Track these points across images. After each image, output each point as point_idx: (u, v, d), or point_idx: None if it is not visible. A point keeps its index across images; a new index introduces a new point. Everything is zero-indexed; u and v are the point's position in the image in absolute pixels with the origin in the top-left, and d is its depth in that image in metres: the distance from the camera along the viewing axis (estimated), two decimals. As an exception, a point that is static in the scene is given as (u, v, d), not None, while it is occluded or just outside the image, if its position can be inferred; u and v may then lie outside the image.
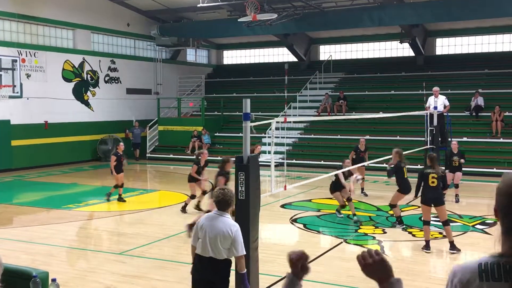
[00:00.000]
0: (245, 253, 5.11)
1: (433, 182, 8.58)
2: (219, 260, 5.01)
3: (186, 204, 11.88)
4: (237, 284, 5.46)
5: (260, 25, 20.92)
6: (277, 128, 10.56)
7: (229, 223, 5.07)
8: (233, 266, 5.16)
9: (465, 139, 18.85)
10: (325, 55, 27.89)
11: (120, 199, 12.83)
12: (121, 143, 14.02)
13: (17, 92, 16.13)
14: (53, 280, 3.88)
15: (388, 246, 8.88)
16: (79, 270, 7.50)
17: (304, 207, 12.34)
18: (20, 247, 8.85)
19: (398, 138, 20.04)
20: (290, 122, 19.98)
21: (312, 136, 21.79)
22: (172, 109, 25.34)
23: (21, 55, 18.89)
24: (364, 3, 20.79)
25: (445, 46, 25.70)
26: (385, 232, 9.87)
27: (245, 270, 5.18)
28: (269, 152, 10.40)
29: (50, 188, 16.03)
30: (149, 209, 12.45)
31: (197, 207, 11.70)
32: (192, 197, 11.82)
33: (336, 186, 10.85)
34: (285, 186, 11.51)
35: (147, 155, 23.38)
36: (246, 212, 6.46)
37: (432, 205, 8.64)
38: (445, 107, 15.55)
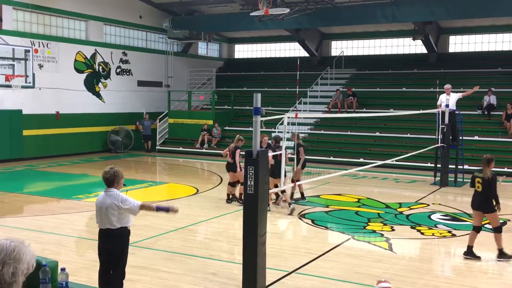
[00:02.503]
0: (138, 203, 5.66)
1: (478, 187, 8.00)
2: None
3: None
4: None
5: (272, 20, 20.85)
6: (287, 123, 10.51)
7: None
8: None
9: (476, 137, 18.73)
10: (337, 50, 27.77)
11: None
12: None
13: (30, 82, 16.22)
14: (62, 269, 3.92)
15: (396, 244, 8.85)
16: (88, 260, 7.56)
17: (312, 203, 12.33)
18: (30, 236, 8.93)
19: (408, 135, 19.96)
20: (300, 118, 19.95)
21: (322, 131, 21.74)
22: (183, 102, 25.39)
23: (34, 45, 18.99)
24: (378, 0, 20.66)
25: (458, 43, 25.48)
26: (393, 230, 9.84)
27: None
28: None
29: (60, 178, 16.16)
30: (158, 201, 12.49)
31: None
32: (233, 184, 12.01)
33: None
34: (295, 181, 11.49)
35: (157, 147, 23.47)
36: (255, 206, 6.48)
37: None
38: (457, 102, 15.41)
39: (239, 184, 11.97)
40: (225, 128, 23.38)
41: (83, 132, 21.41)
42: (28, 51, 16.18)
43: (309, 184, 13.60)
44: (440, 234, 9.61)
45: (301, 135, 21.37)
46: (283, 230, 10.50)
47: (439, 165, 15.30)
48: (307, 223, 10.45)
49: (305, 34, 26.38)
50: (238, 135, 12.38)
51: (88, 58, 21.87)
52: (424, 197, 13.35)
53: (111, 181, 5.65)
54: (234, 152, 11.90)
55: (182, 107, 25.34)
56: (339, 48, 27.78)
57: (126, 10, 23.42)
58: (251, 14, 20.07)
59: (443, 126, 14.88)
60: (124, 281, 5.81)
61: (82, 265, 7.41)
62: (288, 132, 11.59)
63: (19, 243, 2.23)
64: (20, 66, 15.87)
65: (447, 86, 15.45)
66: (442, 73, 23.07)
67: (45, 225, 9.84)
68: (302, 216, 10.97)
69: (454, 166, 15.29)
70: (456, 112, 15.47)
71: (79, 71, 21.47)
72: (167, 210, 5.88)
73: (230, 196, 12.17)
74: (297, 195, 12.55)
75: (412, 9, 20.41)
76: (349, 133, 21.11)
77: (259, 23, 21.35)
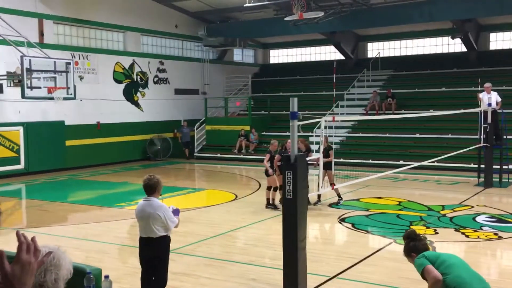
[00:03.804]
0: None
1: None
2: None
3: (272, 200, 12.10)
4: None
5: (307, 24, 20.79)
6: (324, 127, 10.45)
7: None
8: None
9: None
10: (373, 52, 27.47)
11: None
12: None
13: (71, 94, 16.63)
14: (106, 276, 3.98)
15: (440, 247, 8.65)
16: (131, 267, 7.66)
17: (352, 207, 12.19)
18: (74, 244, 9.13)
19: (450, 136, 19.52)
20: (338, 121, 19.78)
21: (360, 134, 21.50)
22: (219, 109, 25.57)
23: (74, 58, 19.49)
24: (413, -1, 20.35)
25: (499, 41, 24.82)
26: (436, 233, 9.63)
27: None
28: (318, 151, 10.32)
29: (102, 187, 16.49)
30: (197, 208, 12.60)
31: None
32: (275, 189, 11.98)
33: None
34: (333, 185, 11.40)
35: (195, 154, 23.69)
36: (294, 211, 6.44)
37: None
38: (497, 103, 15.02)
39: (271, 189, 12.00)
40: (262, 133, 23.41)
41: (123, 141, 21.81)
42: (69, 63, 16.57)
43: (348, 188, 13.45)
44: (486, 236, 9.34)
45: (339, 138, 21.27)
46: (323, 234, 10.41)
47: (482, 166, 14.90)
48: (347, 227, 10.33)
49: (340, 37, 26.19)
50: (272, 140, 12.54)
51: (127, 68, 22.30)
52: (468, 198, 13.02)
53: (154, 188, 5.72)
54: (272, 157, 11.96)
55: (219, 114, 25.52)
56: (376, 49, 27.47)
57: (162, 20, 23.79)
58: (285, 19, 20.06)
59: (485, 125, 14.49)
60: (165, 287, 5.87)
61: (125, 272, 7.52)
62: (329, 136, 11.61)
63: (57, 250, 2.28)
64: (61, 79, 16.28)
65: (487, 84, 15.04)
66: (483, 71, 22.50)
67: (88, 233, 10.05)
68: (342, 220, 10.85)
69: (498, 166, 14.87)
70: (499, 111, 15.04)
71: (118, 81, 21.91)
72: (178, 212, 5.94)
73: (270, 201, 12.17)
74: (333, 199, 12.49)
75: (449, 7, 20.00)
76: (387, 135, 20.79)
77: (294, 27, 21.32)
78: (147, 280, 5.83)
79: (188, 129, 23.53)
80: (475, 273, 4.48)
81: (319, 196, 12.06)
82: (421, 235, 5.03)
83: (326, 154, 11.81)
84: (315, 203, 12.14)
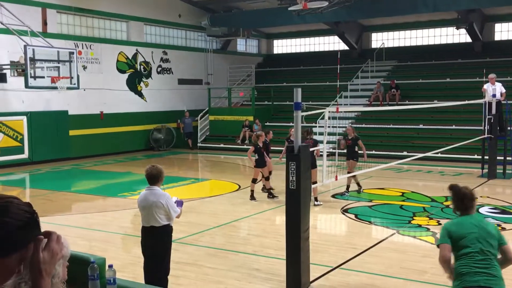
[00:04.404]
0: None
1: None
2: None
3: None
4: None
5: (311, 13, 20.66)
6: (328, 118, 10.42)
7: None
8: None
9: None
10: (377, 42, 27.33)
11: None
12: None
13: (74, 84, 16.62)
14: (110, 266, 3.99)
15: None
16: (134, 256, 7.69)
17: (355, 197, 12.19)
18: (78, 233, 9.17)
19: (454, 127, 19.47)
20: (341, 112, 19.73)
21: (364, 125, 21.44)
22: (223, 99, 25.53)
23: (78, 47, 19.45)
24: (418, -11, 20.20)
25: (504, 31, 24.65)
26: (440, 224, 9.62)
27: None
28: (321, 142, 10.28)
29: (106, 177, 16.53)
30: (201, 198, 12.63)
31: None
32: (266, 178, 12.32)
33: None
34: (336, 176, 11.41)
35: (198, 144, 23.70)
36: (297, 202, 6.44)
37: None
38: (501, 94, 14.94)
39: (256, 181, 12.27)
40: (265, 124, 23.37)
41: (127, 131, 21.82)
42: (72, 53, 16.54)
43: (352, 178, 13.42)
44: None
45: (342, 129, 21.22)
46: (326, 225, 10.42)
47: (486, 157, 14.86)
48: (350, 217, 10.34)
49: (344, 27, 26.06)
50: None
51: (130, 58, 22.26)
52: (472, 189, 12.98)
53: (157, 177, 5.74)
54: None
55: (222, 104, 25.49)
56: (380, 40, 27.34)
57: (165, 9, 23.71)
58: (289, 8, 19.95)
59: (490, 116, 14.43)
60: (168, 276, 5.89)
61: (129, 261, 7.55)
62: (333, 127, 11.77)
63: (65, 241, 2.27)
64: (65, 68, 16.25)
65: (492, 75, 14.96)
66: (488, 62, 22.37)
67: (92, 223, 10.08)
68: (345, 210, 10.86)
69: (502, 158, 14.83)
70: (504, 102, 14.97)
71: (121, 71, 21.87)
72: (181, 203, 5.99)
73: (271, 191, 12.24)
74: (353, 186, 12.60)
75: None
76: (391, 126, 20.74)
77: (298, 17, 21.20)
78: (150, 269, 5.85)
79: (190, 119, 23.51)
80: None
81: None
82: (467, 190, 4.56)
83: (354, 144, 12.37)
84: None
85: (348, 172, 11.70)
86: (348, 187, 12.50)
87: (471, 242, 4.06)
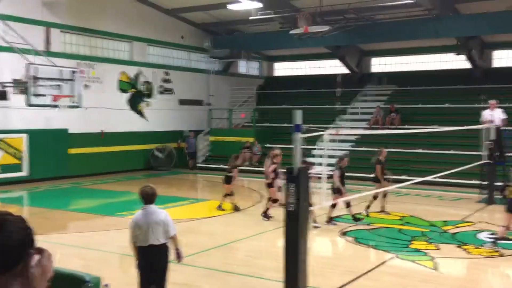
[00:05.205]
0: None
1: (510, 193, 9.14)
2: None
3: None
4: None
5: (312, 37, 20.87)
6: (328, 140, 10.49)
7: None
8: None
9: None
10: (378, 67, 27.52)
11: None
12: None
13: (76, 103, 16.70)
14: (106, 285, 3.97)
15: (442, 263, 8.60)
16: (132, 277, 7.63)
17: (354, 221, 12.13)
18: (74, 253, 9.12)
19: (452, 152, 19.49)
20: (341, 134, 19.78)
21: (364, 148, 21.45)
22: (224, 120, 25.61)
23: (80, 66, 19.59)
24: (419, 15, 20.42)
25: (503, 58, 24.86)
26: (438, 248, 9.58)
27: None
28: (320, 165, 10.31)
29: (104, 196, 16.49)
30: (199, 219, 12.58)
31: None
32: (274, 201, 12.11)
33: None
34: (336, 199, 11.35)
35: (197, 165, 23.70)
36: (295, 224, 6.43)
37: None
38: (501, 120, 15.01)
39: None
40: (265, 145, 23.40)
41: (127, 150, 21.85)
42: (75, 72, 16.67)
43: (351, 202, 13.38)
44: (489, 253, 9.29)
45: (341, 152, 21.25)
46: (325, 248, 10.37)
47: (485, 182, 14.85)
48: (349, 241, 10.30)
49: (345, 51, 26.27)
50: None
51: (132, 78, 22.40)
52: (470, 215, 12.97)
53: (153, 196, 5.79)
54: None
55: (223, 125, 25.56)
56: (380, 64, 27.53)
57: (168, 31, 23.94)
58: (290, 32, 20.15)
59: (488, 142, 14.47)
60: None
61: (125, 281, 7.49)
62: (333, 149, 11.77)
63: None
64: (67, 87, 16.37)
65: (492, 101, 15.05)
66: (486, 88, 22.49)
67: (89, 242, 10.03)
68: (344, 233, 10.82)
69: (501, 184, 14.80)
70: (502, 128, 15.02)
71: (123, 90, 21.99)
72: (179, 255, 6.05)
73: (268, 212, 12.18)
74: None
75: (455, 24, 20.08)
76: (391, 149, 20.74)
77: (299, 41, 21.41)
78: None
79: (194, 139, 23.61)
80: None
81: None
82: None
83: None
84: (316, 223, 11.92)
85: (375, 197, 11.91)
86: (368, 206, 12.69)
87: None
